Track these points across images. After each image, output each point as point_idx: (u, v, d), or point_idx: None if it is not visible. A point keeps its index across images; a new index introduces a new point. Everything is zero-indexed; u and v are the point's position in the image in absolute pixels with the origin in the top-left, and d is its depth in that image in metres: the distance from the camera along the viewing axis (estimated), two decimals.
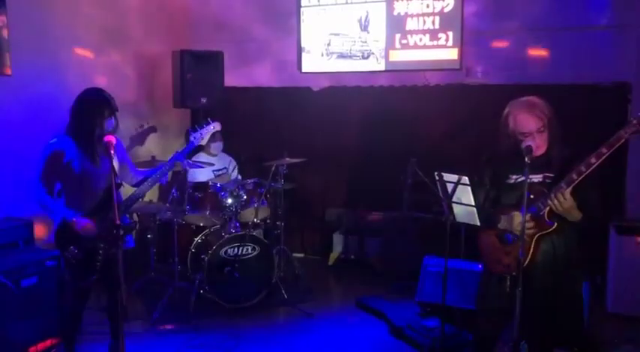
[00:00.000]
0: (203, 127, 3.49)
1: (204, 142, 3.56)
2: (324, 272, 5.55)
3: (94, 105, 3.15)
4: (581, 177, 2.57)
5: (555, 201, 2.60)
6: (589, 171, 2.56)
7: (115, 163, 3.04)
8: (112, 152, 2.92)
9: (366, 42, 5.51)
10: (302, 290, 4.91)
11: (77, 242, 3.14)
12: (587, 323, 3.70)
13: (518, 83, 4.90)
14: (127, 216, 3.51)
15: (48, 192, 3.14)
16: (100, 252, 3.16)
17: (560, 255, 2.77)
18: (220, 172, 5.25)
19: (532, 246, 2.72)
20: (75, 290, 3.33)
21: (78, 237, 3.12)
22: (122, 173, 3.40)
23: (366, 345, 4.02)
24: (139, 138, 5.50)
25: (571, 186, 2.59)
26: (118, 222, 2.76)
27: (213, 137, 4.51)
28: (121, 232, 3.00)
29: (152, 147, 5.65)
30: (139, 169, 3.56)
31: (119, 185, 3.20)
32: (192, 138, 3.46)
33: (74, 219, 3.10)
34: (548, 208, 2.68)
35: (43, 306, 3.62)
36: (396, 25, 5.34)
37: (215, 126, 3.52)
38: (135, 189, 3.37)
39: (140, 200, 3.50)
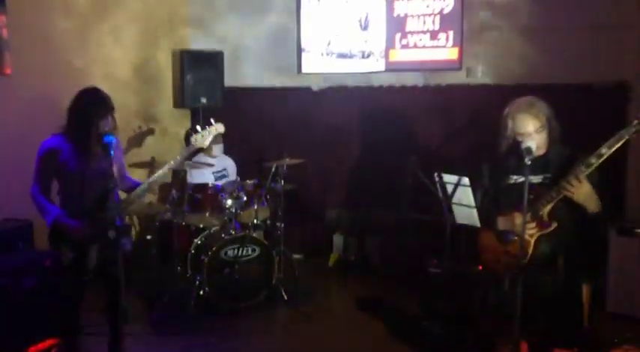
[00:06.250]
0: (205, 129, 3.40)
1: (205, 145, 3.45)
2: (324, 273, 5.54)
3: (90, 104, 3.11)
4: (589, 170, 2.56)
5: (569, 187, 2.58)
6: (590, 169, 2.56)
7: (114, 164, 3.03)
8: (112, 152, 2.92)
9: (366, 42, 5.51)
10: (302, 291, 4.89)
11: (69, 243, 3.11)
12: (587, 323, 3.69)
13: (517, 83, 4.90)
14: (122, 218, 3.46)
15: (42, 190, 3.11)
16: (96, 253, 3.14)
17: (559, 255, 2.77)
18: (220, 174, 5.24)
19: (532, 246, 2.72)
20: (68, 291, 3.32)
21: (69, 238, 3.10)
22: (117, 175, 3.37)
23: (366, 346, 4.02)
24: (137, 140, 5.49)
25: (585, 171, 2.57)
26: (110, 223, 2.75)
27: (215, 138, 4.49)
28: (114, 234, 2.99)
29: (152, 148, 5.64)
30: (131, 177, 3.51)
31: (115, 186, 3.18)
32: (192, 140, 3.39)
33: (63, 221, 3.07)
34: (548, 208, 2.68)
35: (43, 306, 3.61)
36: (396, 25, 5.34)
37: (218, 129, 3.42)
38: (132, 191, 3.34)
39: (139, 201, 3.47)
